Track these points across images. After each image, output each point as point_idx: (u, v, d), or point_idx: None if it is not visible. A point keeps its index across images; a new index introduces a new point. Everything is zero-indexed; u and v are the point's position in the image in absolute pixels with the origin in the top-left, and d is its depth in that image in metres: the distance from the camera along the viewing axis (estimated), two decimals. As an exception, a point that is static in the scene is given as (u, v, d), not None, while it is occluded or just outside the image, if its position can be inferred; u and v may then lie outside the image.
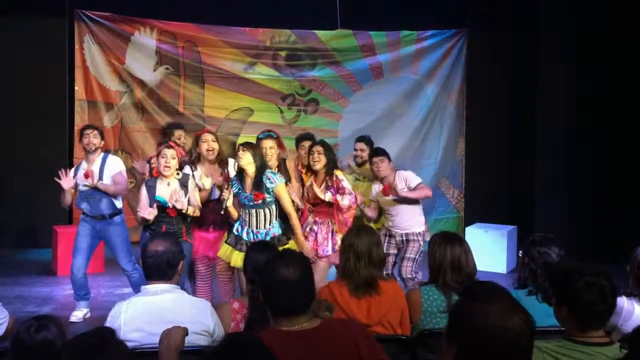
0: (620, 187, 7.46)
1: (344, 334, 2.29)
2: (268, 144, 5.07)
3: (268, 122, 8.94)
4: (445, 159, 9.32)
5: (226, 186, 4.89)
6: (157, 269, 2.89)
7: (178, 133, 6.07)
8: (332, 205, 5.13)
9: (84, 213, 5.48)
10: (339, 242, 4.97)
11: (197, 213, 4.95)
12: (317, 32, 9.02)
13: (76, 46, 8.37)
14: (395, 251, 5.67)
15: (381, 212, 5.76)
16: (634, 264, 3.19)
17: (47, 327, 2.33)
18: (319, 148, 5.20)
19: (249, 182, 4.75)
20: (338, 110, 9.27)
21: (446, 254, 3.21)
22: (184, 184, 4.91)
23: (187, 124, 8.72)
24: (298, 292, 2.28)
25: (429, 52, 9.21)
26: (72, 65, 8.36)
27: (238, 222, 4.84)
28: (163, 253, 2.90)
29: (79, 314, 5.46)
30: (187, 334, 2.44)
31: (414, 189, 5.51)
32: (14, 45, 8.07)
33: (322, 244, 5.06)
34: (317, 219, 5.16)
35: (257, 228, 4.76)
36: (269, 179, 4.71)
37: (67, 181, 5.29)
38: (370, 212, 5.63)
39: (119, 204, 5.49)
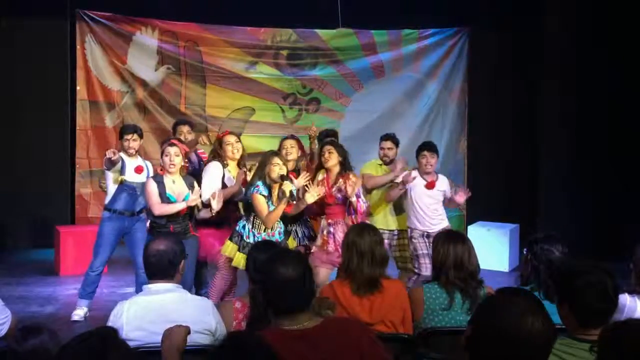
0: (623, 184, 7.45)
1: (346, 333, 2.29)
2: (289, 143, 5.40)
3: (270, 121, 8.95)
4: (447, 157, 9.29)
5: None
6: (158, 268, 2.90)
7: (185, 129, 5.99)
8: (344, 204, 5.12)
9: (109, 210, 5.45)
10: None
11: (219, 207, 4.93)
12: (318, 31, 9.02)
13: (77, 46, 8.37)
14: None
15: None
16: (637, 261, 3.19)
17: (36, 334, 2.31)
18: (329, 147, 5.23)
19: (276, 192, 4.80)
20: (340, 110, 9.26)
21: (449, 252, 3.21)
22: (190, 185, 4.92)
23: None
24: (298, 290, 2.28)
25: (431, 50, 9.20)
26: (73, 65, 8.35)
27: (247, 230, 4.82)
28: (165, 252, 2.90)
29: (80, 313, 5.47)
30: (189, 333, 2.44)
31: (450, 198, 5.68)
32: (15, 45, 8.07)
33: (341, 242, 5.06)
34: (330, 220, 5.13)
35: (272, 230, 4.83)
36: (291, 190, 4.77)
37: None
38: (394, 193, 5.57)
39: None
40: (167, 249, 2.92)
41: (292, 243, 5.01)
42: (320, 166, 5.28)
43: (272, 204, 4.80)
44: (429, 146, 5.71)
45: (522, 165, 8.61)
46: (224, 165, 5.24)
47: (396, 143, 5.96)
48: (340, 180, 5.08)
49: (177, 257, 2.94)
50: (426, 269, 5.40)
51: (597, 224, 7.48)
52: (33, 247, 8.08)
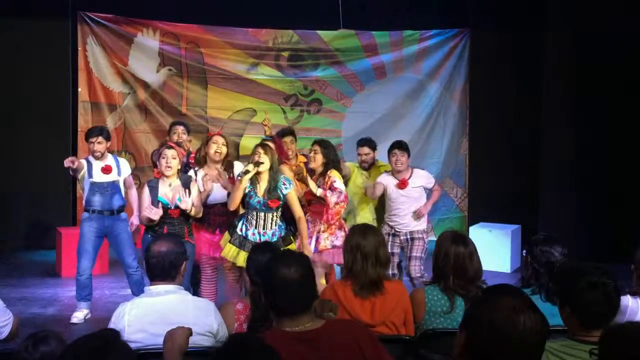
0: (625, 186, 7.44)
1: (347, 335, 2.29)
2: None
3: (271, 122, 8.94)
4: (449, 158, 9.30)
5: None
6: (160, 270, 2.90)
7: (180, 129, 5.92)
8: (324, 204, 5.14)
9: (88, 210, 5.49)
10: (324, 243, 5.03)
11: (200, 214, 4.96)
12: (319, 32, 9.02)
13: (79, 48, 8.38)
14: (398, 250, 5.68)
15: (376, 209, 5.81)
16: (638, 262, 3.18)
17: (46, 342, 2.32)
18: (316, 147, 5.25)
19: (263, 186, 4.79)
20: (341, 110, 9.27)
21: (450, 255, 3.19)
22: (186, 185, 4.91)
23: (190, 125, 8.72)
24: (299, 292, 2.28)
25: (432, 51, 9.20)
26: (75, 67, 8.36)
27: (242, 222, 4.85)
28: (166, 253, 2.91)
29: (79, 315, 5.48)
30: (191, 335, 2.44)
31: (431, 190, 5.76)
32: (17, 47, 8.08)
33: (321, 236, 5.12)
34: (308, 217, 5.19)
35: (263, 229, 4.79)
36: (283, 184, 4.81)
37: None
38: (371, 191, 5.67)
39: (123, 199, 5.60)
40: (169, 250, 2.92)
41: (293, 246, 4.99)
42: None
43: (255, 194, 4.81)
44: (398, 145, 5.78)
45: (524, 166, 8.59)
46: (203, 163, 5.18)
47: (373, 147, 6.05)
48: (320, 179, 5.17)
49: (178, 259, 2.94)
50: (392, 267, 5.49)
51: (598, 226, 7.46)
52: (34, 248, 8.08)
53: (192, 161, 5.35)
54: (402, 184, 5.64)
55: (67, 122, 8.35)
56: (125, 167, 5.70)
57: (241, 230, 4.81)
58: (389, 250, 5.45)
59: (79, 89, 8.43)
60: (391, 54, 9.18)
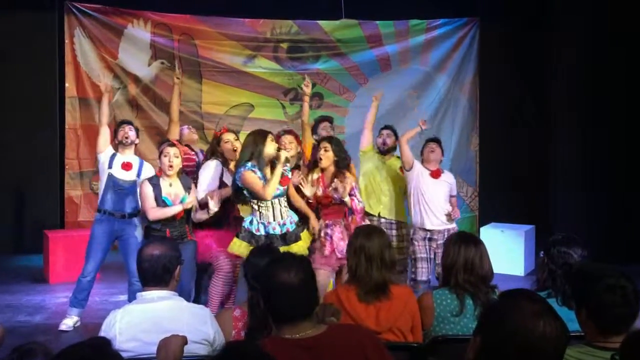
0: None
1: (351, 341, 2.29)
2: (288, 139, 5.46)
3: (269, 118, 8.96)
4: (458, 155, 9.30)
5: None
6: (153, 275, 2.90)
7: (185, 132, 6.25)
8: (342, 205, 5.14)
9: (100, 210, 5.50)
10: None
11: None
12: (320, 22, 9.02)
13: (66, 40, 8.39)
14: (432, 255, 5.69)
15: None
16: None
17: (31, 355, 2.32)
18: (326, 144, 5.23)
19: (267, 171, 4.76)
20: (344, 105, 9.27)
21: (460, 254, 3.20)
22: (187, 187, 4.94)
23: (185, 121, 8.73)
24: (300, 297, 2.28)
25: (440, 42, 9.20)
26: (62, 60, 8.38)
27: (256, 223, 4.75)
28: (159, 257, 2.90)
29: (69, 322, 5.47)
30: (186, 343, 2.44)
31: (451, 197, 5.87)
32: (0, 40, 8.10)
33: (339, 244, 5.03)
34: (327, 221, 5.13)
35: (282, 219, 4.77)
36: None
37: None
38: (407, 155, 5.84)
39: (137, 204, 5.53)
40: (162, 254, 2.92)
41: (306, 236, 4.96)
42: (315, 164, 5.31)
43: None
44: (435, 139, 6.07)
45: (537, 163, 8.60)
46: (224, 164, 5.26)
47: (395, 133, 6.13)
48: (336, 180, 5.10)
49: (172, 263, 2.94)
50: (422, 274, 5.53)
51: (617, 226, 7.46)
52: (21, 253, 8.10)
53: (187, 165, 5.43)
54: (436, 173, 5.78)
55: (54, 119, 8.37)
56: (148, 172, 5.54)
57: (258, 230, 4.73)
58: (419, 255, 5.51)
59: (67, 84, 8.45)
60: (396, 44, 9.18)
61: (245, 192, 4.72)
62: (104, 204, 5.47)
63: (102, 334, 2.77)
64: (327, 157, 5.17)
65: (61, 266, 7.04)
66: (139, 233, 5.49)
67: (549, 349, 1.58)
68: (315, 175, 5.25)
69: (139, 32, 8.67)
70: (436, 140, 6.02)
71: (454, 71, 9.23)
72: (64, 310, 5.67)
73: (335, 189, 5.07)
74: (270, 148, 4.71)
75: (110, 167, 5.45)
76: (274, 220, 4.75)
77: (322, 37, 9.08)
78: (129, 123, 5.71)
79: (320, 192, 5.13)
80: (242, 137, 8.70)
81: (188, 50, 8.84)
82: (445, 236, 5.53)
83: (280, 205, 4.78)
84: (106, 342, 1.93)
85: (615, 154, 7.57)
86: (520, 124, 8.81)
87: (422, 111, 9.23)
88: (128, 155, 5.55)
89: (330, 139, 5.33)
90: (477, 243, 3.28)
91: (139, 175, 5.49)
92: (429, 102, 9.26)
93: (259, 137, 4.77)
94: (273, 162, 4.76)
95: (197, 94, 8.94)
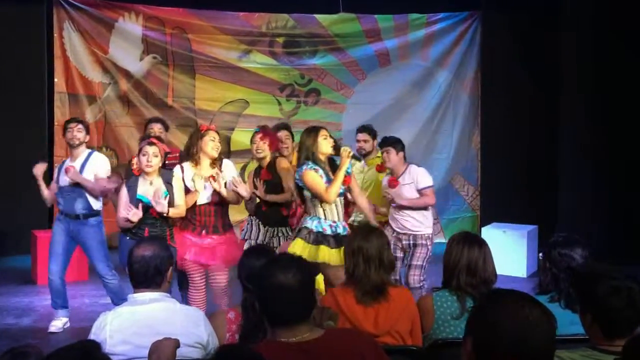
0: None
1: (348, 345, 2.29)
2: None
3: (265, 114, 8.95)
4: (459, 153, 9.31)
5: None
6: (144, 276, 2.89)
7: (157, 127, 5.88)
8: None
9: (60, 212, 5.58)
10: None
11: (182, 214, 4.96)
12: (317, 16, 9.02)
13: (55, 34, 8.38)
14: (401, 254, 5.68)
15: None
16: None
17: (25, 357, 2.32)
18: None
19: (327, 168, 4.76)
20: (341, 101, 9.27)
21: (462, 256, 3.19)
22: (168, 182, 4.93)
23: (177, 118, 8.75)
24: (297, 299, 2.28)
25: (440, 36, 9.20)
26: (50, 55, 8.36)
27: (322, 222, 4.69)
28: (150, 258, 2.90)
29: (58, 324, 5.50)
30: (178, 347, 2.44)
31: (420, 192, 5.58)
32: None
33: None
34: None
35: (340, 220, 4.78)
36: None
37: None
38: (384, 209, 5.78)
39: (96, 204, 5.54)
40: (153, 255, 2.91)
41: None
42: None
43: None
44: (382, 142, 5.72)
45: (541, 162, 8.60)
46: (194, 163, 5.14)
47: (373, 134, 6.05)
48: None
49: (163, 264, 2.93)
50: (394, 273, 5.44)
51: (622, 226, 7.47)
52: (7, 253, 8.07)
53: (171, 162, 5.27)
54: (391, 183, 5.63)
55: (42, 116, 8.36)
56: (100, 163, 5.55)
57: (325, 230, 4.67)
58: (397, 255, 5.54)
59: (55, 80, 8.44)
60: (396, 39, 9.18)
61: (305, 191, 4.74)
62: (59, 205, 5.58)
63: (92, 336, 2.77)
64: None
65: (49, 266, 7.02)
66: (98, 231, 5.55)
67: (537, 335, 1.61)
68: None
69: (130, 25, 8.66)
70: (390, 143, 5.63)
71: (455, 66, 9.23)
72: (52, 312, 5.67)
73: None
74: (324, 146, 4.72)
75: (58, 175, 5.55)
76: (339, 219, 4.76)
77: (319, 31, 9.08)
78: (79, 121, 5.65)
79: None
80: (236, 135, 8.86)
81: (181, 45, 8.83)
82: (411, 238, 5.60)
83: (341, 205, 4.81)
84: (96, 346, 1.93)
85: (622, 154, 7.57)
86: (523, 121, 8.80)
87: (422, 108, 9.24)
88: (75, 156, 5.54)
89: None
90: (482, 244, 3.26)
91: (82, 169, 5.46)
92: (429, 99, 9.26)
93: (311, 134, 4.77)
94: (332, 160, 4.77)
95: (190, 90, 8.94)
